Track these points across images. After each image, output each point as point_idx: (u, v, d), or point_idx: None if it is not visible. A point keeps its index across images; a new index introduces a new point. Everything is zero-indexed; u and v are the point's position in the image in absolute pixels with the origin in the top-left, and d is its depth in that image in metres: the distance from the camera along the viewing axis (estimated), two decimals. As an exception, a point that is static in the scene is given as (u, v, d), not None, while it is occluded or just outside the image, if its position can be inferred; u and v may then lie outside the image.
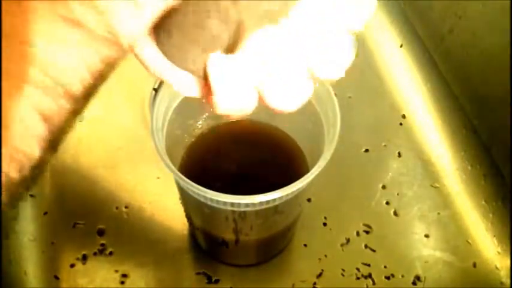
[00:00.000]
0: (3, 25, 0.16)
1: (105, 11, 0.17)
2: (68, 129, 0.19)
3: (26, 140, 0.18)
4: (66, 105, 0.18)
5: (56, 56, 0.17)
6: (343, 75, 0.21)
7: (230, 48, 0.20)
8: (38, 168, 0.19)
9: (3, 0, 0.16)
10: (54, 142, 0.19)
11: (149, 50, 0.21)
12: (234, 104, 0.21)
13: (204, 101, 0.23)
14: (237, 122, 0.42)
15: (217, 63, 0.20)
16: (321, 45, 0.20)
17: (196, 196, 0.31)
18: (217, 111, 0.22)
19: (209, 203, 0.31)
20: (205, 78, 0.21)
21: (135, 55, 0.21)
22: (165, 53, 0.21)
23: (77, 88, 0.18)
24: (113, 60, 0.18)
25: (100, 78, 0.18)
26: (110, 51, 0.18)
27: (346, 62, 0.21)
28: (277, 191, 0.29)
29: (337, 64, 0.21)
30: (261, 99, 0.22)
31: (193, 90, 0.23)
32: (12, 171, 0.18)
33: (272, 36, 0.20)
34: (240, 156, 0.41)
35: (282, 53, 0.20)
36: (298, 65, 0.21)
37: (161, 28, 0.21)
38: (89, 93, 0.19)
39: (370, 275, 0.42)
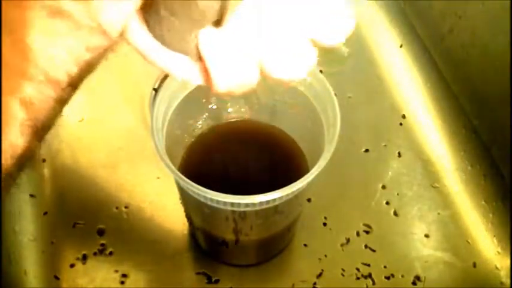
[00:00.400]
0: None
1: (88, 0, 0.17)
2: (54, 118, 0.19)
3: (10, 129, 0.18)
4: (51, 94, 0.18)
5: (41, 45, 0.17)
6: (344, 40, 0.20)
7: (220, 22, 0.19)
8: (23, 158, 0.18)
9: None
10: (39, 131, 0.19)
11: (143, 37, 0.21)
12: (233, 79, 0.21)
13: (205, 84, 0.22)
14: (237, 122, 0.42)
15: (208, 38, 0.19)
16: (320, 10, 0.20)
17: (196, 196, 0.31)
18: (218, 90, 0.21)
19: (209, 203, 0.31)
20: (200, 58, 0.21)
21: (132, 45, 0.21)
22: (158, 38, 0.21)
23: (63, 77, 0.18)
24: (100, 50, 0.18)
25: (87, 68, 0.19)
26: (96, 41, 0.18)
27: (347, 27, 0.20)
28: (277, 191, 0.29)
29: (338, 29, 0.20)
30: (264, 75, 0.21)
31: (192, 74, 0.22)
32: None
33: (264, 3, 0.19)
34: (240, 156, 0.41)
35: (279, 21, 0.19)
36: (298, 32, 0.20)
37: (150, 13, 0.20)
38: (75, 82, 0.19)
39: (370, 275, 0.42)
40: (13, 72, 0.17)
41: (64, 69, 0.18)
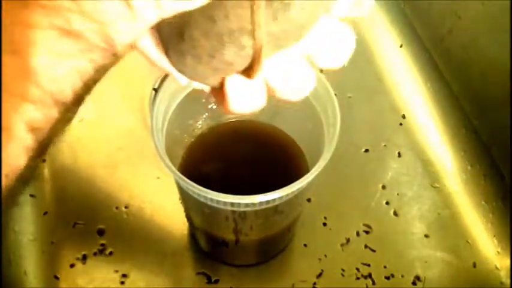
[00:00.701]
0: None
1: (102, 21, 0.16)
2: (57, 136, 0.19)
3: (13, 152, 0.17)
4: (55, 115, 0.18)
5: (49, 67, 0.17)
6: (344, 64, 0.22)
7: (247, 73, 0.21)
8: (23, 176, 0.18)
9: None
10: (41, 150, 0.18)
11: (154, 51, 0.21)
12: (247, 106, 0.22)
13: (214, 100, 0.24)
14: (237, 122, 0.42)
15: (234, 85, 0.21)
16: (320, 35, 0.21)
17: (196, 196, 0.31)
18: (230, 112, 0.23)
19: (209, 203, 0.31)
20: (220, 87, 0.22)
21: (139, 51, 0.21)
22: (175, 67, 0.22)
23: (69, 97, 0.18)
24: (106, 67, 0.18)
25: (91, 84, 0.18)
26: (104, 59, 0.18)
27: (347, 51, 0.21)
28: (277, 191, 0.29)
29: (338, 53, 0.21)
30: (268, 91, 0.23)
31: (204, 87, 0.23)
32: None
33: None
34: (239, 156, 0.41)
35: (286, 50, 0.21)
36: (302, 59, 0.21)
37: (173, 50, 0.21)
38: (79, 99, 0.18)
39: (370, 275, 0.42)
40: (17, 95, 0.17)
41: (71, 89, 0.18)
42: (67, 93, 0.18)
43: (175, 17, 0.18)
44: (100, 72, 0.18)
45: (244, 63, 0.20)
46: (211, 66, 0.20)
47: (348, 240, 0.44)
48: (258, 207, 0.31)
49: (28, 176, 0.19)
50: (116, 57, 0.18)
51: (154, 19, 0.17)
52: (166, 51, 0.21)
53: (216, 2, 0.18)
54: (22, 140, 0.17)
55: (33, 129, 0.17)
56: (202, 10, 0.18)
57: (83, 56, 0.17)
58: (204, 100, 0.40)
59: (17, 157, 0.18)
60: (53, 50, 0.17)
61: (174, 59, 0.21)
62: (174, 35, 0.20)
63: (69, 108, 0.18)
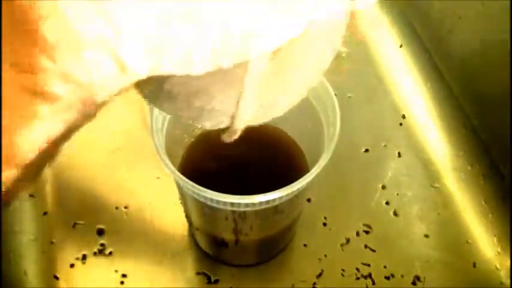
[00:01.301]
0: None
1: (84, 82, 0.14)
2: (22, 191, 0.17)
3: None
4: (15, 176, 0.16)
5: (13, 131, 0.15)
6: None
7: (223, 133, 0.22)
8: None
9: None
10: (4, 204, 0.17)
11: None
12: None
13: None
14: (237, 122, 0.42)
15: None
16: None
17: (196, 196, 0.31)
18: None
19: (209, 203, 0.31)
20: None
21: None
22: (149, 102, 0.21)
23: (31, 159, 0.16)
24: (80, 124, 0.16)
25: (61, 143, 0.17)
26: (79, 119, 0.16)
27: None
28: (277, 191, 0.29)
29: None
30: None
31: None
32: None
33: None
34: (239, 156, 0.41)
35: None
36: None
37: (150, 91, 0.20)
38: (44, 160, 0.17)
39: (370, 275, 0.42)
40: None
41: (34, 152, 0.15)
42: (30, 157, 0.15)
43: None
44: (72, 130, 0.16)
45: (219, 128, 0.21)
46: (188, 122, 0.21)
47: (348, 240, 0.44)
48: (258, 207, 0.31)
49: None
50: (92, 115, 0.16)
51: (144, 77, 0.16)
52: (141, 88, 0.20)
53: (206, 79, 0.17)
54: None
55: None
56: (191, 78, 0.17)
57: (55, 118, 0.15)
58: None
59: None
60: (20, 113, 0.14)
61: (151, 100, 0.20)
62: (155, 80, 0.18)
63: (33, 170, 0.16)
